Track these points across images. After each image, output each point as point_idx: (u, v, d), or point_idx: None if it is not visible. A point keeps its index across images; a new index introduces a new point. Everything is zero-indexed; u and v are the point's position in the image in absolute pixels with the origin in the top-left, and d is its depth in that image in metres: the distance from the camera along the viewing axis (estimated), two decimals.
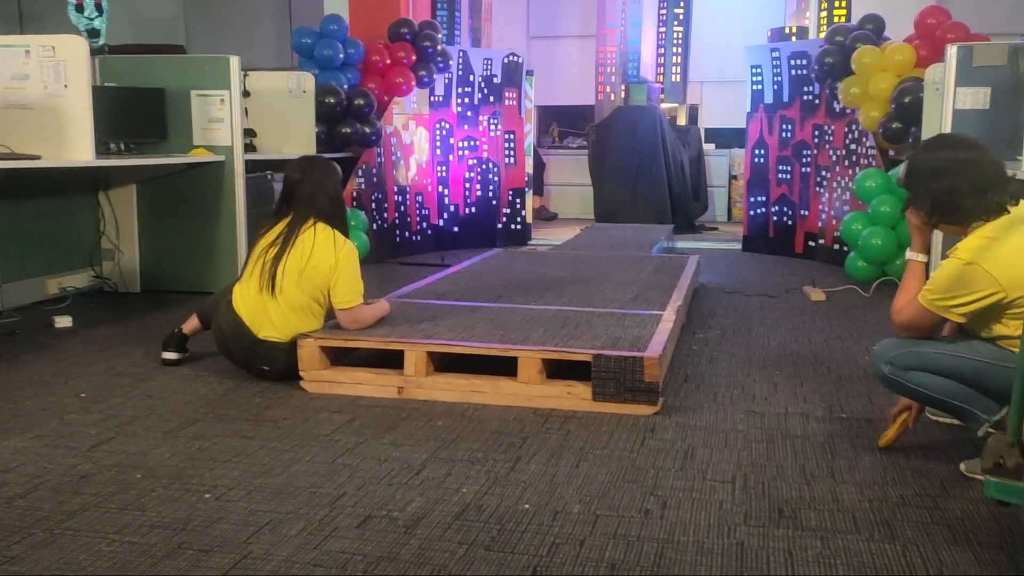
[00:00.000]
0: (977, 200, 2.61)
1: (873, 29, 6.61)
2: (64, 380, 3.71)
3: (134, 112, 5.39)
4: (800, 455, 2.87)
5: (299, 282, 3.65)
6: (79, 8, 8.83)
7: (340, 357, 3.72)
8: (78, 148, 4.48)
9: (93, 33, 8.91)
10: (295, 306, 3.67)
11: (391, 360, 3.59)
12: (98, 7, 8.82)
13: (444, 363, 3.60)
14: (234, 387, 3.64)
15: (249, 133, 6.19)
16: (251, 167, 5.74)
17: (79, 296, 5.47)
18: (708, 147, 10.12)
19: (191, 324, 4.00)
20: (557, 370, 3.46)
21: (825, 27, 7.84)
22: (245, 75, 6.09)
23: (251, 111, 6.26)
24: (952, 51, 4.56)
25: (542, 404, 3.38)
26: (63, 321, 4.71)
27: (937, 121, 4.76)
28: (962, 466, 2.73)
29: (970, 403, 2.69)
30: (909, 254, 2.86)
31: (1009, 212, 2.63)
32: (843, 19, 7.89)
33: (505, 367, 3.45)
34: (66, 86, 4.45)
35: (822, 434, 3.08)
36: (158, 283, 5.71)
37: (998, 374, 2.62)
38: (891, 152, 6.31)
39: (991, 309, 2.60)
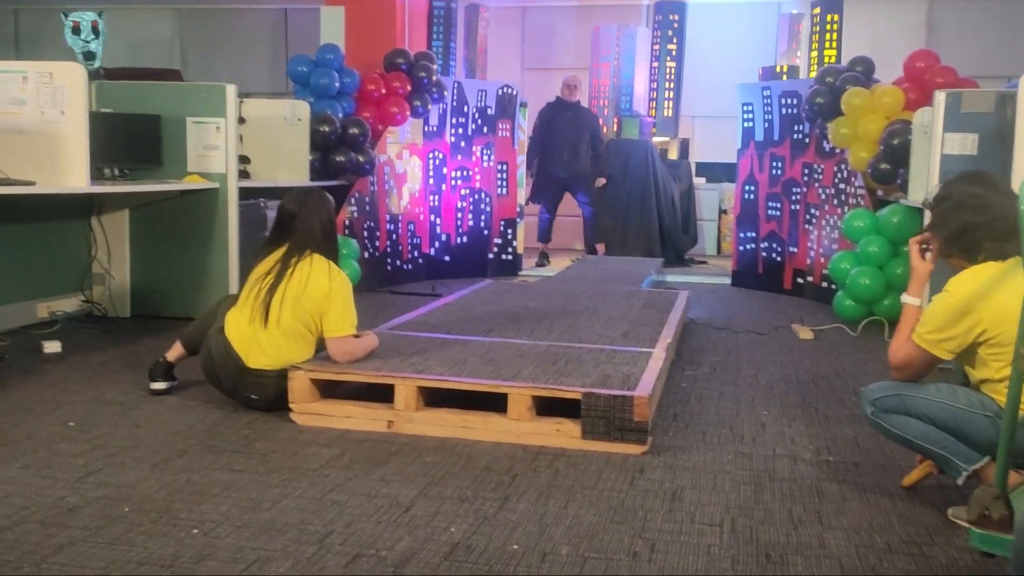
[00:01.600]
0: (996, 244, 2.65)
1: (863, 71, 6.70)
2: (52, 408, 3.70)
3: (129, 138, 5.41)
4: (788, 498, 2.89)
5: (294, 310, 3.67)
6: (76, 30, 8.87)
7: (330, 389, 3.72)
8: (73, 174, 4.50)
9: (89, 56, 8.94)
10: (287, 333, 3.68)
11: (381, 392, 3.59)
12: (95, 30, 8.86)
13: (434, 397, 3.61)
14: (223, 417, 3.63)
15: (243, 160, 6.22)
16: (244, 194, 5.76)
17: (68, 320, 5.45)
18: (699, 181, 10.20)
19: (175, 351, 4.00)
20: (547, 407, 3.47)
21: (815, 67, 7.95)
22: (241, 102, 6.13)
23: (246, 138, 6.29)
24: (941, 97, 4.64)
25: (531, 441, 3.39)
26: (52, 346, 4.69)
27: (925, 165, 4.82)
28: (949, 512, 2.75)
29: (948, 449, 2.71)
30: (905, 297, 2.88)
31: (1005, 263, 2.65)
32: (833, 60, 8.00)
33: (495, 403, 3.46)
34: (63, 112, 4.47)
35: (810, 477, 3.10)
36: (148, 308, 5.71)
37: (972, 421, 2.65)
38: (879, 192, 6.38)
39: (975, 347, 2.64)
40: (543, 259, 9.08)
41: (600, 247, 9.06)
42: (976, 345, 2.65)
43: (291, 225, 3.81)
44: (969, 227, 2.68)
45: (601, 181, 8.96)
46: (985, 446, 2.66)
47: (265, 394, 3.67)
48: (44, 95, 4.48)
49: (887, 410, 2.76)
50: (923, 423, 2.71)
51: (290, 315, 3.67)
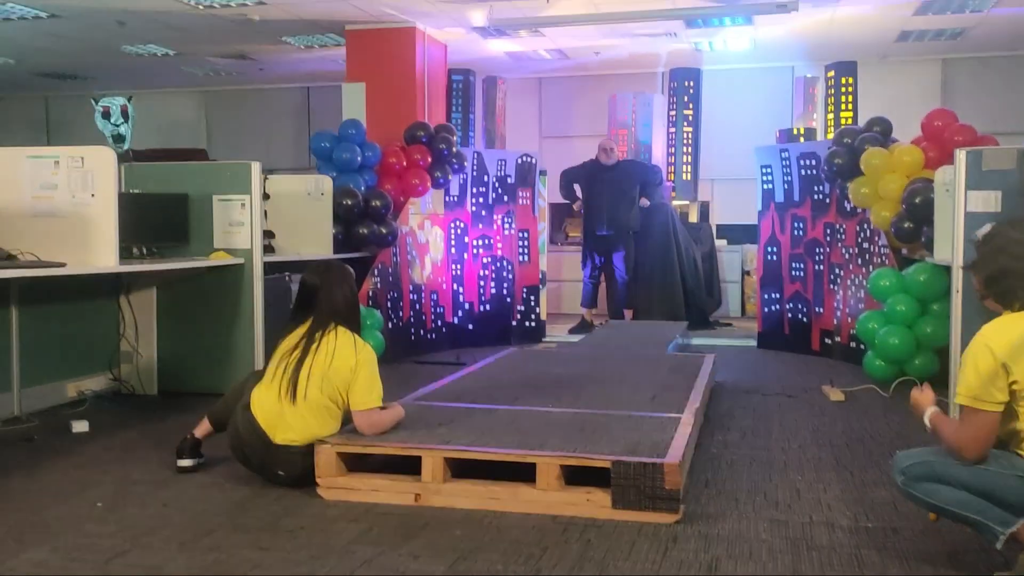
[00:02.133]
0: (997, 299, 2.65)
1: (881, 131, 6.74)
2: (81, 488, 3.70)
3: (157, 217, 5.51)
4: (827, 567, 2.81)
5: (321, 385, 3.67)
6: (106, 115, 9.16)
7: (357, 462, 3.70)
8: (102, 254, 4.57)
9: (118, 138, 9.21)
10: (314, 408, 3.68)
11: (408, 464, 3.56)
12: (124, 114, 9.15)
13: (462, 467, 3.57)
14: (250, 494, 3.61)
15: (268, 235, 6.30)
16: (269, 269, 5.82)
17: (96, 399, 5.48)
18: (720, 243, 10.20)
19: (203, 428, 4.00)
20: (576, 475, 3.43)
21: (832, 128, 8.00)
22: (265, 178, 6.23)
23: (270, 212, 6.39)
24: (961, 155, 4.63)
25: (561, 511, 3.34)
26: (80, 426, 4.71)
27: (950, 222, 4.80)
28: None
29: (983, 514, 2.63)
30: (926, 417, 2.79)
31: None
32: (850, 121, 8.06)
33: (523, 472, 3.42)
34: (93, 195, 4.56)
35: (848, 545, 3.02)
36: (175, 384, 5.73)
37: (1002, 482, 2.60)
38: (904, 251, 6.35)
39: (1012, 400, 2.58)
40: (584, 327, 8.69)
41: (628, 313, 8.96)
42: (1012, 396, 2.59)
43: (313, 299, 3.84)
44: (1006, 273, 2.65)
45: (644, 202, 8.85)
46: (1019, 507, 2.59)
47: (292, 470, 3.65)
48: (75, 179, 4.58)
49: (917, 478, 2.70)
50: (954, 489, 2.65)
51: (317, 390, 3.67)
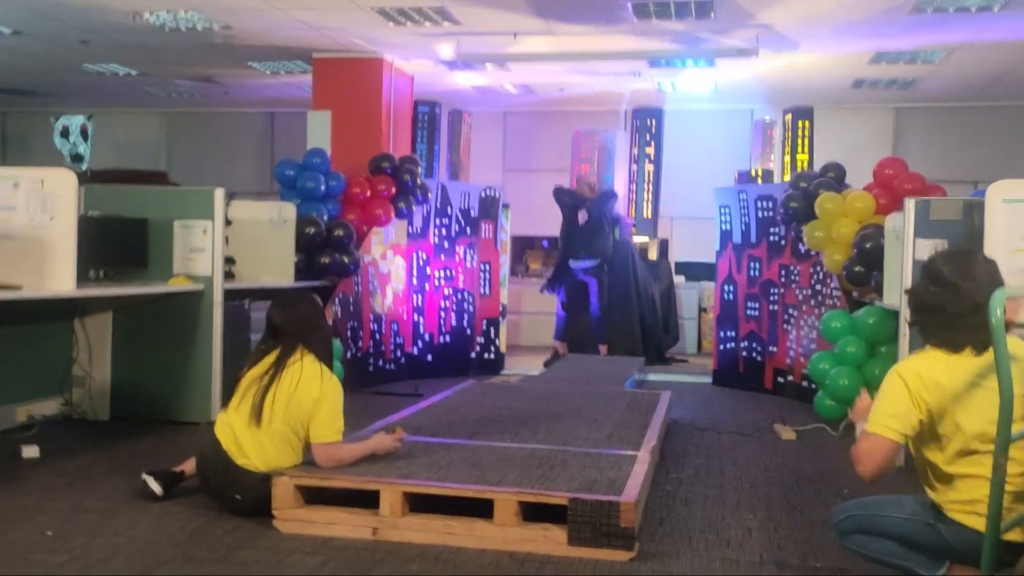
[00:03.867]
0: (947, 333, 2.61)
1: (835, 177, 6.92)
2: (30, 515, 3.64)
3: (117, 241, 5.46)
4: None
5: (284, 414, 3.68)
6: (64, 133, 9.04)
7: (314, 494, 3.69)
8: (59, 278, 4.52)
9: (76, 158, 9.08)
10: (276, 437, 3.69)
11: (366, 497, 3.56)
12: (83, 133, 9.03)
13: (420, 501, 3.58)
14: (205, 524, 3.58)
15: (228, 261, 6.26)
16: (229, 296, 5.79)
17: (47, 424, 5.39)
18: (678, 280, 10.34)
19: (190, 464, 3.96)
20: (533, 512, 3.46)
21: (789, 171, 8.20)
22: (228, 203, 6.21)
23: (232, 239, 6.35)
24: (911, 205, 4.79)
25: (518, 547, 3.36)
26: (30, 451, 4.63)
27: (898, 268, 4.94)
28: None
29: (909, 561, 2.74)
30: (858, 429, 2.86)
31: (971, 354, 2.60)
32: (806, 165, 8.26)
33: (480, 507, 3.44)
34: (52, 218, 4.52)
35: None
36: (129, 410, 5.65)
37: (915, 529, 2.71)
38: (855, 294, 6.50)
39: (924, 436, 2.63)
40: (554, 358, 8.73)
41: (603, 348, 8.94)
42: (924, 429, 2.62)
43: (283, 327, 3.86)
44: (922, 309, 2.66)
45: (583, 215, 8.78)
46: (935, 552, 2.69)
47: (248, 495, 3.64)
48: (34, 201, 4.55)
49: (847, 532, 2.82)
50: (880, 539, 2.76)
51: (280, 420, 3.68)
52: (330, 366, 3.88)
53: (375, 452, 3.84)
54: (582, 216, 8.69)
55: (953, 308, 2.57)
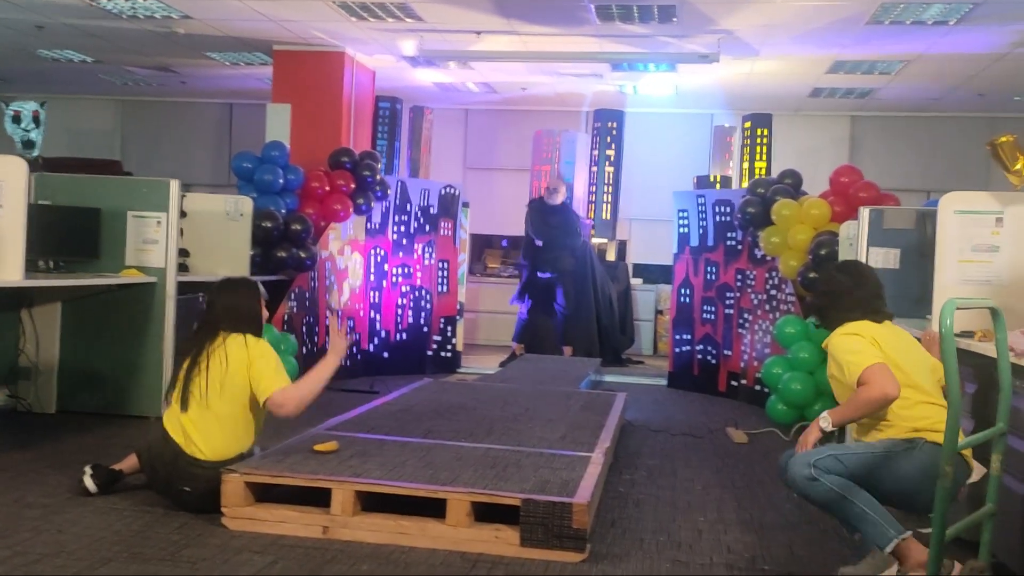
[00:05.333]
0: (842, 313, 3.26)
1: (792, 184, 7.01)
2: None
3: (67, 231, 5.35)
4: None
5: (222, 394, 3.67)
6: (16, 119, 8.82)
7: (264, 492, 3.64)
8: (7, 267, 4.42)
9: (28, 144, 8.86)
10: (224, 422, 3.67)
11: (317, 494, 3.53)
12: (36, 119, 8.82)
13: (371, 500, 3.55)
14: (151, 522, 3.52)
15: (183, 253, 6.17)
16: (183, 288, 5.70)
17: None
18: (635, 282, 10.41)
19: (129, 462, 3.91)
20: (485, 512, 3.45)
21: (747, 177, 8.28)
22: (183, 195, 6.11)
23: (187, 231, 6.25)
24: (865, 213, 4.87)
25: (469, 548, 3.35)
26: None
27: None
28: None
29: (884, 517, 2.90)
30: (820, 424, 3.10)
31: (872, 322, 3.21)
32: (764, 171, 8.35)
33: (433, 507, 3.43)
34: (1, 206, 4.42)
35: None
36: (75, 404, 5.54)
37: (898, 456, 2.97)
38: (809, 299, 6.58)
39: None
40: (511, 359, 8.70)
41: (568, 350, 8.93)
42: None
43: (205, 315, 3.88)
44: (821, 300, 3.42)
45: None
46: (911, 485, 2.97)
47: (197, 486, 3.59)
48: None
49: (828, 470, 2.96)
50: (859, 490, 2.92)
51: (218, 399, 3.66)
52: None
53: (334, 362, 3.81)
54: (538, 242, 8.72)
55: (859, 291, 3.25)
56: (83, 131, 11.79)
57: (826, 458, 2.97)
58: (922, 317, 4.15)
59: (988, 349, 3.22)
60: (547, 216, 8.79)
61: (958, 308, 2.63)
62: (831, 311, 3.31)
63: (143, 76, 10.41)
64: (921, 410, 3.03)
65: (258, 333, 3.89)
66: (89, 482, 3.81)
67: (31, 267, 4.99)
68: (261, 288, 4.02)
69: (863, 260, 4.88)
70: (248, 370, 3.69)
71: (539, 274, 8.77)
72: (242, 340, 3.77)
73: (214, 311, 3.86)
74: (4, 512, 3.55)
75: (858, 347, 3.07)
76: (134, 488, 3.85)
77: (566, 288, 8.81)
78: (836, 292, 3.30)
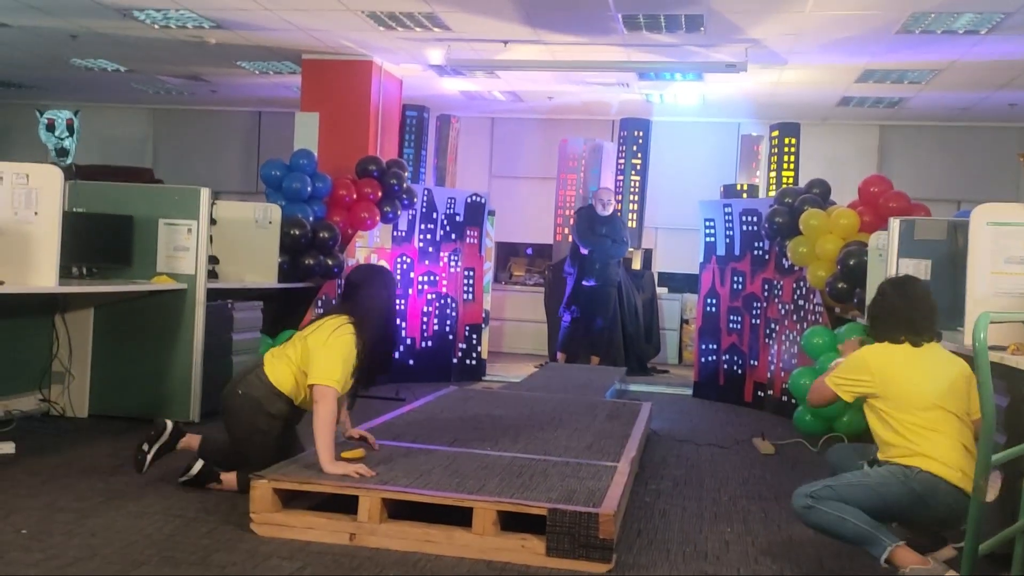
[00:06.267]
0: (886, 331, 3.39)
1: (820, 193, 6.97)
2: (5, 514, 3.60)
3: (100, 238, 5.44)
4: None
5: (302, 353, 3.91)
6: (50, 127, 8.97)
7: (292, 498, 3.67)
8: (42, 274, 4.49)
9: (62, 152, 9.02)
10: (291, 362, 3.93)
11: (344, 502, 3.55)
12: (69, 127, 8.96)
13: (398, 507, 3.57)
14: (181, 526, 3.56)
15: (212, 260, 6.24)
16: (212, 295, 5.76)
17: (23, 420, 5.34)
18: (661, 291, 10.38)
19: (191, 440, 4.19)
20: (512, 521, 3.46)
21: (774, 187, 8.25)
22: (213, 203, 6.18)
23: (216, 238, 6.32)
24: (895, 224, 4.83)
25: (495, 557, 3.36)
26: (5, 447, 4.58)
27: None
28: None
29: (876, 530, 3.06)
30: (833, 363, 3.62)
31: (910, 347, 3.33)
32: (791, 181, 8.31)
33: (460, 515, 3.44)
34: (36, 213, 4.49)
35: None
36: (107, 408, 5.61)
37: (891, 489, 3.12)
38: (837, 310, 6.55)
39: (873, 407, 3.29)
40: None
41: (595, 359, 8.89)
42: (874, 406, 3.28)
43: (351, 294, 4.07)
44: (873, 312, 3.51)
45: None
46: (904, 510, 3.17)
47: (251, 391, 3.92)
48: (19, 196, 4.51)
49: (824, 498, 3.15)
50: (853, 508, 3.10)
51: (297, 354, 3.93)
52: (371, 340, 3.93)
53: (325, 462, 3.69)
54: (584, 250, 8.74)
55: (905, 312, 3.35)
56: (116, 139, 11.95)
57: (822, 489, 3.18)
58: (953, 329, 4.11)
59: (1021, 363, 3.18)
60: (596, 224, 8.78)
61: (992, 322, 2.60)
62: (877, 324, 3.46)
63: (174, 85, 10.55)
64: (927, 437, 3.17)
65: (377, 334, 3.99)
66: (146, 447, 4.06)
67: (65, 273, 5.07)
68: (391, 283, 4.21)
69: (893, 272, 4.84)
70: (316, 349, 3.84)
71: (584, 282, 8.76)
72: (334, 325, 3.89)
73: (358, 298, 4.03)
74: (37, 516, 3.60)
75: (853, 376, 3.35)
76: (165, 494, 3.88)
77: (611, 301, 8.78)
78: (883, 309, 3.44)
